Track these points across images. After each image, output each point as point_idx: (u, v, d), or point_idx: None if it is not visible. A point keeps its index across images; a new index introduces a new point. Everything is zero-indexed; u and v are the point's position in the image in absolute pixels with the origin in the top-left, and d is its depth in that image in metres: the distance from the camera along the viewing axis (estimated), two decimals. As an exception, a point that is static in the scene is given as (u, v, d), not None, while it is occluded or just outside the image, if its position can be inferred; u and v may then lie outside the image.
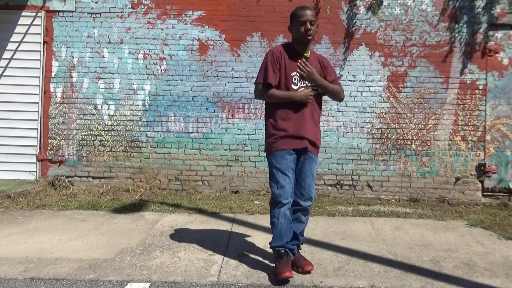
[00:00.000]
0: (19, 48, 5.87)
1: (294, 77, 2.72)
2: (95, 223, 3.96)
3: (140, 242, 3.34)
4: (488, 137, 5.73)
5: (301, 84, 2.73)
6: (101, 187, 5.75)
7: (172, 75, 5.84)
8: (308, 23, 2.65)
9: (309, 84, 2.75)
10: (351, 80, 5.78)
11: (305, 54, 2.78)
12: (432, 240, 3.60)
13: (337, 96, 2.89)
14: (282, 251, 2.65)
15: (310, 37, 2.69)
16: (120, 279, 2.58)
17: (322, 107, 5.67)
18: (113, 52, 5.86)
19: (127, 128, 5.86)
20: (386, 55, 5.76)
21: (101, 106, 5.87)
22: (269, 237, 2.95)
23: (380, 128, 5.77)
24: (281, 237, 2.66)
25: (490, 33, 5.73)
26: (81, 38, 5.86)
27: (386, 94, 5.77)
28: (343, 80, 5.77)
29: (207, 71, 5.82)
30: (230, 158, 5.78)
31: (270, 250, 2.87)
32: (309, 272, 2.71)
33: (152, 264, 2.84)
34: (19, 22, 5.86)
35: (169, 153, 5.82)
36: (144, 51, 5.85)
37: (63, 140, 5.87)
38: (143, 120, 5.85)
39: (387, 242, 3.50)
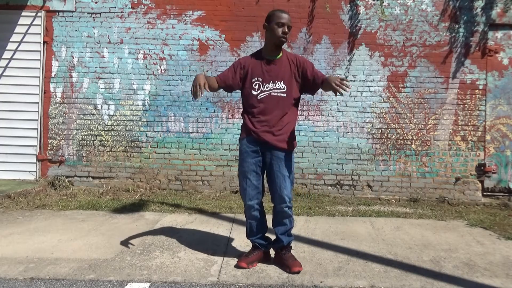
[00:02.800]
0: (19, 48, 5.87)
1: (255, 82, 2.78)
2: (95, 223, 3.96)
3: (140, 242, 3.34)
4: (488, 137, 5.73)
5: (263, 88, 2.77)
6: (101, 187, 5.75)
7: (172, 75, 5.84)
8: (286, 27, 2.70)
9: (272, 88, 2.75)
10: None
11: (271, 58, 2.80)
12: (432, 240, 3.60)
13: None
14: (252, 244, 2.92)
15: (284, 40, 2.74)
16: (120, 279, 2.58)
17: (322, 107, 5.77)
18: (113, 52, 5.85)
19: (127, 128, 5.86)
20: (386, 55, 5.76)
21: (101, 106, 5.87)
22: (269, 237, 3.00)
23: (380, 128, 5.77)
24: (251, 233, 2.90)
25: (490, 33, 5.72)
26: (81, 38, 5.86)
27: (386, 94, 5.77)
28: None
29: (207, 71, 5.81)
30: (230, 158, 5.78)
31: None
32: (297, 272, 2.72)
33: (152, 264, 2.84)
34: (19, 22, 5.86)
35: (169, 153, 5.82)
36: (144, 51, 5.85)
37: (63, 140, 5.87)
38: (143, 120, 5.85)
39: (387, 242, 3.50)
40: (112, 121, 5.86)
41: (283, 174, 2.75)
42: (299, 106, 5.72)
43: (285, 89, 2.76)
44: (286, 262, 2.79)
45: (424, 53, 5.74)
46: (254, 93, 2.78)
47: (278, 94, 2.76)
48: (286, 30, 2.71)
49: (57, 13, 5.85)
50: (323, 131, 5.78)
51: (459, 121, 5.72)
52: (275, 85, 2.77)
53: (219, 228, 3.87)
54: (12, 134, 5.84)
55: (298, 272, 2.73)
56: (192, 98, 2.74)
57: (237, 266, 2.81)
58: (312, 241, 3.48)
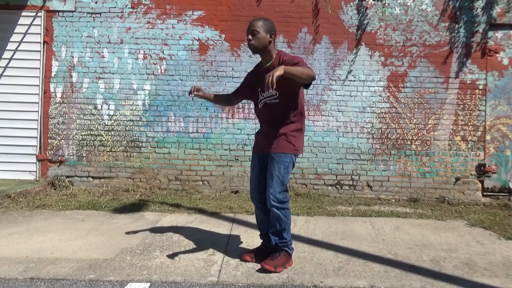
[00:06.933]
0: (19, 48, 5.87)
1: (258, 92, 2.91)
2: (95, 223, 3.96)
3: (140, 242, 3.34)
4: (488, 137, 5.73)
5: (261, 97, 2.88)
6: (101, 187, 5.75)
7: (172, 75, 5.84)
8: (247, 35, 2.77)
9: (266, 96, 2.82)
10: (351, 80, 5.78)
11: (265, 65, 2.84)
12: (432, 240, 3.60)
13: (306, 75, 2.53)
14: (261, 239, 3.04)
15: (250, 47, 2.78)
16: (120, 279, 2.58)
17: (322, 107, 5.77)
18: (113, 52, 5.86)
19: (127, 128, 5.86)
20: (386, 55, 5.76)
21: (101, 106, 5.87)
22: (269, 237, 3.00)
23: (380, 128, 5.77)
24: (258, 228, 3.05)
25: (490, 33, 5.72)
26: (81, 38, 5.86)
27: (386, 94, 5.77)
28: (343, 80, 5.77)
29: (207, 71, 5.82)
30: (230, 158, 5.78)
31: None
32: (263, 269, 2.71)
33: (152, 264, 2.84)
34: (19, 22, 5.86)
35: (169, 153, 5.82)
36: (144, 51, 5.85)
37: (63, 140, 5.87)
38: (143, 120, 5.85)
39: (387, 242, 3.50)
40: (112, 121, 5.86)
41: (271, 173, 2.76)
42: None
43: (277, 95, 2.76)
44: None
45: (424, 53, 5.74)
46: (258, 102, 2.94)
47: (272, 101, 2.80)
48: (249, 38, 2.75)
49: (57, 13, 5.85)
50: (323, 131, 5.78)
51: (459, 121, 5.72)
52: (268, 93, 2.80)
53: (219, 228, 3.87)
54: (12, 134, 5.84)
55: (265, 270, 2.69)
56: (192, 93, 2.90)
57: (242, 260, 2.93)
58: (312, 241, 3.48)
